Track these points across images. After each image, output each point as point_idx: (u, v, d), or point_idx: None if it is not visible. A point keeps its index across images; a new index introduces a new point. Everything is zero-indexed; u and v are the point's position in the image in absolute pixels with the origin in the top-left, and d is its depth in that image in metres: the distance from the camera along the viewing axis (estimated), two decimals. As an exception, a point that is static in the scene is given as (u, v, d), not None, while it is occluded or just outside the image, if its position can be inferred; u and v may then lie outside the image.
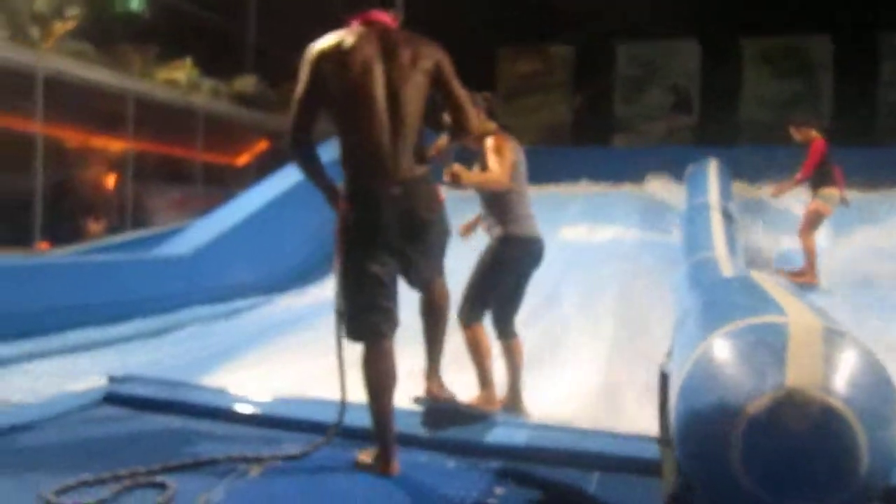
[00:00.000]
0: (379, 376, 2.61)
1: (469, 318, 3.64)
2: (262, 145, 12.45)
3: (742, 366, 2.03)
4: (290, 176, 8.82)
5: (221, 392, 3.45)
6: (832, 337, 2.02)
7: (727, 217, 7.71)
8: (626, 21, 14.85)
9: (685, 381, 2.17)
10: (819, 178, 7.02)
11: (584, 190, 10.90)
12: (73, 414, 3.19)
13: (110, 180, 10.38)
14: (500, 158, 3.54)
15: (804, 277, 6.92)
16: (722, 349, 2.11)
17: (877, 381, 1.97)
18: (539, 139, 15.97)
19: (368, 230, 2.61)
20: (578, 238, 8.56)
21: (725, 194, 8.76)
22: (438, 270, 2.90)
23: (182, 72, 10.50)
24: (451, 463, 2.66)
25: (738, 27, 14.46)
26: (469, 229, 4.05)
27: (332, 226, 2.71)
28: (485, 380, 3.65)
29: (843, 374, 1.93)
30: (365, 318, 2.62)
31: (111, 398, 3.35)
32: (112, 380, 3.57)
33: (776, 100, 14.70)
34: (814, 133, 7.24)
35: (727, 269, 5.50)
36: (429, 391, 3.06)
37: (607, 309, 6.15)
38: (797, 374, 1.92)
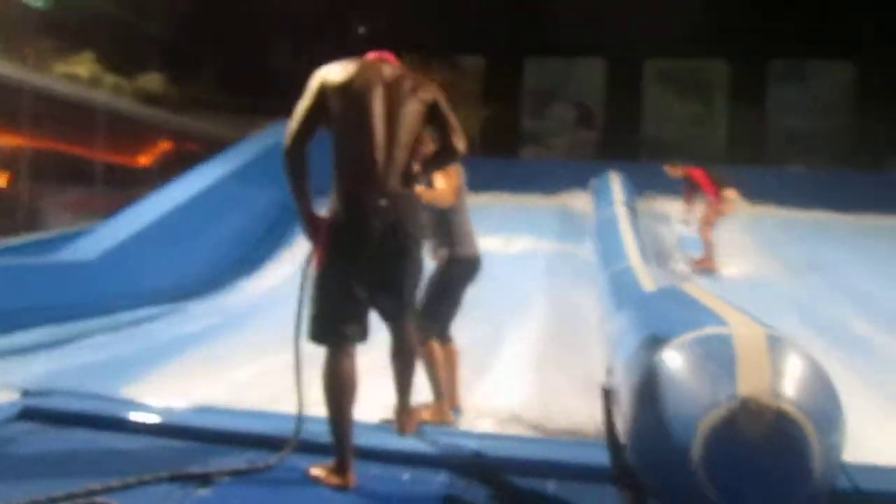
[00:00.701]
0: (340, 382, 2.59)
1: (423, 334, 3.72)
2: (165, 146, 12.00)
3: (694, 379, 2.10)
4: (199, 179, 8.59)
5: (150, 405, 3.28)
6: (776, 344, 2.12)
7: (632, 211, 8.32)
8: (535, 36, 15.24)
9: (638, 397, 2.23)
10: (718, 187, 8.16)
11: (499, 200, 11.07)
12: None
13: (1, 179, 9.74)
14: (448, 179, 3.72)
15: (705, 264, 8.03)
16: (672, 363, 2.20)
17: (821, 383, 2.08)
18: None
19: (353, 237, 2.63)
20: (497, 248, 8.65)
21: (630, 203, 9.18)
22: (411, 310, 2.94)
23: (83, 66, 10.00)
24: (405, 475, 2.64)
25: (641, 48, 15.08)
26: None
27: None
28: (438, 392, 3.71)
29: (792, 379, 2.02)
30: (333, 322, 2.64)
31: (29, 413, 3.13)
32: (27, 393, 3.34)
33: (676, 119, 15.43)
34: (681, 169, 8.42)
35: (645, 278, 5.72)
36: (399, 426, 3.06)
37: (532, 315, 6.30)
38: (748, 383, 2.00)
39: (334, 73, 2.74)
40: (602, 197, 9.37)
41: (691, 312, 2.52)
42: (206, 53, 12.46)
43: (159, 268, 7.36)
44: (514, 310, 6.56)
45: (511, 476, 2.66)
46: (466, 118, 16.54)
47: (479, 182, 11.17)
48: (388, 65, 2.82)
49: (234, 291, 7.72)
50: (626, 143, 15.34)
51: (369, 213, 2.63)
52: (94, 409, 3.17)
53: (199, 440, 3.00)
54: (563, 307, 6.69)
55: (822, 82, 14.79)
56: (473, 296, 6.15)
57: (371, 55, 2.87)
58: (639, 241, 7.29)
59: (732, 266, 8.17)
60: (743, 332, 2.18)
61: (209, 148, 11.60)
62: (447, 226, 3.81)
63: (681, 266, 8.21)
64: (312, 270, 2.71)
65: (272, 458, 2.70)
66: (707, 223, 8.18)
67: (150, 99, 10.88)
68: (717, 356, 2.11)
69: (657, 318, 2.72)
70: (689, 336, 2.22)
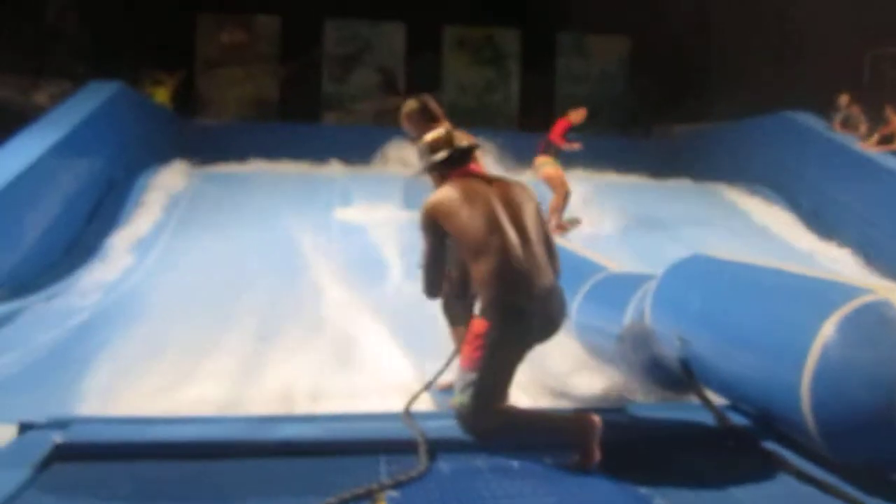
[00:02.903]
0: (513, 415, 2.77)
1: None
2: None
3: (881, 343, 2.35)
4: (17, 154, 7.31)
5: (203, 421, 2.86)
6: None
7: None
8: (334, -2, 14.91)
9: (820, 367, 2.35)
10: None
11: (334, 169, 10.83)
12: (25, 488, 2.37)
13: None
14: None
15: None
16: (850, 333, 2.38)
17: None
18: (244, 113, 15.30)
19: (516, 344, 2.79)
20: (358, 219, 8.46)
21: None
22: None
23: None
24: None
25: (440, 14, 15.35)
26: None
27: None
28: None
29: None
30: (500, 395, 2.79)
31: (65, 451, 2.56)
32: (31, 427, 2.73)
33: (474, 85, 15.98)
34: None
35: (573, 246, 6.00)
36: None
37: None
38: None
39: (444, 204, 2.87)
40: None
41: (824, 285, 2.73)
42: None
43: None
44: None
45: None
46: (263, 79, 15.76)
47: (315, 148, 10.97)
48: (484, 177, 3.01)
49: (83, 282, 6.73)
50: (428, 109, 15.59)
51: (527, 321, 2.76)
52: (146, 436, 2.67)
53: (285, 454, 2.67)
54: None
55: (602, 54, 16.15)
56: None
57: (463, 172, 3.01)
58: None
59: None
60: (892, 294, 2.45)
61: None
62: None
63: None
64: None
65: (420, 463, 2.52)
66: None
67: None
68: (890, 320, 2.36)
69: (785, 290, 2.86)
70: (851, 306, 2.43)
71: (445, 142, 3.05)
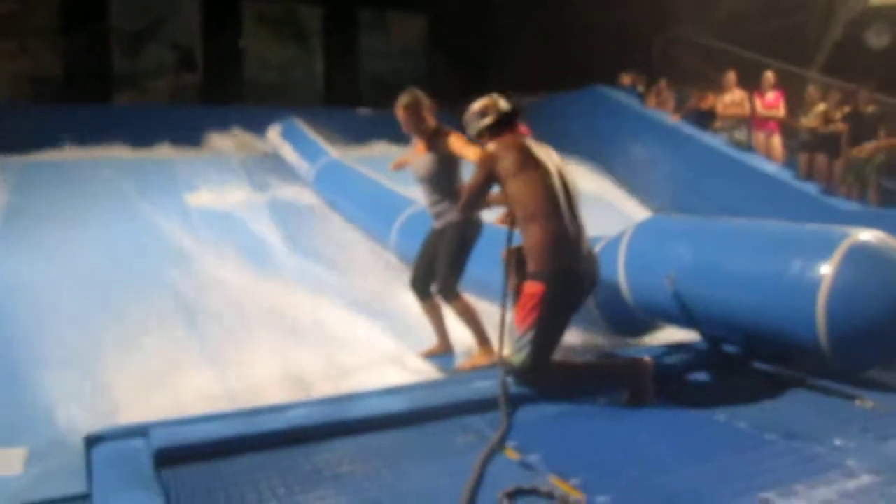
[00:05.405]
0: (563, 370, 3.09)
1: (454, 291, 3.89)
2: None
3: (879, 268, 2.98)
4: None
5: (290, 408, 2.82)
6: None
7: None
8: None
9: (834, 295, 2.95)
10: None
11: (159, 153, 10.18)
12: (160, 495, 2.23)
13: None
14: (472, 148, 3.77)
15: None
16: (853, 265, 2.99)
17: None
18: (20, 91, 13.67)
19: (570, 299, 3.07)
20: (212, 203, 8.09)
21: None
22: None
23: None
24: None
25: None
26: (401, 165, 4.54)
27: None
28: (483, 338, 3.84)
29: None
30: (550, 354, 3.05)
31: (165, 457, 2.42)
32: (101, 437, 2.53)
33: (276, 62, 15.57)
34: None
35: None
36: None
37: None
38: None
39: (504, 158, 3.09)
40: (305, 144, 9.38)
41: (811, 230, 3.31)
42: None
43: None
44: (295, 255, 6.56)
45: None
46: (41, 54, 14.03)
47: (130, 131, 10.16)
48: (533, 140, 3.22)
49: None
50: (229, 86, 15.00)
51: (579, 282, 3.07)
52: (236, 430, 2.61)
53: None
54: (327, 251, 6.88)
55: (402, 31, 16.48)
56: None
57: (519, 131, 3.30)
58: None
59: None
60: (870, 233, 3.11)
61: None
62: (457, 194, 3.89)
63: None
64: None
65: (501, 417, 2.77)
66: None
67: None
68: (887, 252, 3.01)
69: (777, 237, 3.41)
70: (848, 243, 3.03)
71: (492, 107, 3.30)
